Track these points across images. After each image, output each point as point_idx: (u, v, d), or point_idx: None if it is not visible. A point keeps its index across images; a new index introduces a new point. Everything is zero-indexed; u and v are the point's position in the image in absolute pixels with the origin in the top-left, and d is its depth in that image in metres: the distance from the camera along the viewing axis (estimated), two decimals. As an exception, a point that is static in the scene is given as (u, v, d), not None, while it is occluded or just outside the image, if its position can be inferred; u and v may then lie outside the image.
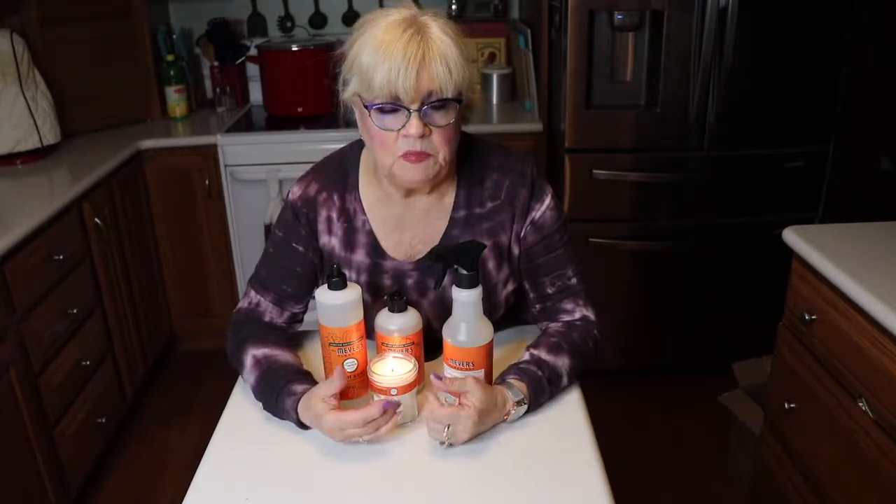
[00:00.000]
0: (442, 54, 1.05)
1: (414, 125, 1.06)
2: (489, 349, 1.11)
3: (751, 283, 2.55)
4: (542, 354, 1.17)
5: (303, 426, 1.11)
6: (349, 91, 1.12)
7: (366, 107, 1.08)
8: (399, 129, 1.07)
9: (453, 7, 3.06)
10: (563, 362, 1.16)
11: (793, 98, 2.37)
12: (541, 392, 1.12)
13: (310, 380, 1.15)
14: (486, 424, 1.08)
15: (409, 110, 1.06)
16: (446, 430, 1.04)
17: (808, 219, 2.47)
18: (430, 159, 1.10)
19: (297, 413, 1.09)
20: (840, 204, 2.47)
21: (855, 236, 1.62)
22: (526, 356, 1.18)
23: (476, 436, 1.07)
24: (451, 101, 1.08)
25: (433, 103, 1.06)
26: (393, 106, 1.06)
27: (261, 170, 2.68)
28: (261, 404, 1.16)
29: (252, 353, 1.19)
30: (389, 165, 1.12)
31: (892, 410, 1.34)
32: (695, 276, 2.57)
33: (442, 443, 1.05)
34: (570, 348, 1.18)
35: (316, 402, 1.07)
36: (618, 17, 2.30)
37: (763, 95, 2.35)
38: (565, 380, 1.17)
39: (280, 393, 1.12)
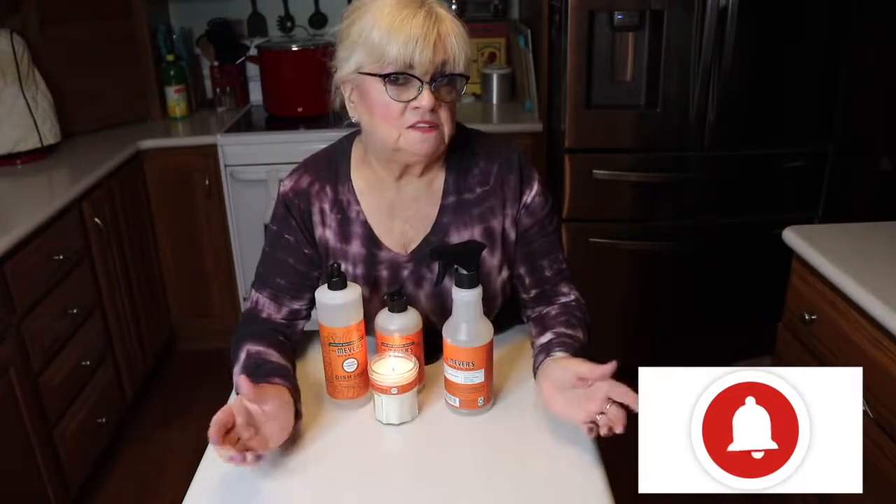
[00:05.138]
0: (454, 32, 1.09)
1: (426, 97, 1.07)
2: (489, 349, 1.11)
3: (751, 283, 2.55)
4: (564, 329, 1.17)
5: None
6: (349, 67, 1.12)
7: (377, 76, 1.08)
8: (410, 101, 1.08)
9: (453, 7, 3.06)
10: (581, 335, 1.18)
11: (793, 98, 2.37)
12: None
13: (292, 383, 1.11)
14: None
15: (421, 82, 1.07)
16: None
17: (808, 219, 2.47)
18: (437, 131, 1.11)
19: (241, 379, 1.00)
20: (840, 204, 2.47)
21: (855, 236, 1.62)
22: (548, 336, 1.16)
23: None
24: (460, 77, 1.11)
25: (445, 76, 1.09)
26: (406, 76, 1.07)
27: (261, 170, 2.68)
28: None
29: (247, 349, 1.16)
30: (396, 139, 1.11)
31: (892, 410, 1.34)
32: (695, 276, 2.57)
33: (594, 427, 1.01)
34: (579, 324, 1.21)
35: (238, 402, 1.00)
36: (618, 17, 2.30)
37: (763, 95, 2.35)
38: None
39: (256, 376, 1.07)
